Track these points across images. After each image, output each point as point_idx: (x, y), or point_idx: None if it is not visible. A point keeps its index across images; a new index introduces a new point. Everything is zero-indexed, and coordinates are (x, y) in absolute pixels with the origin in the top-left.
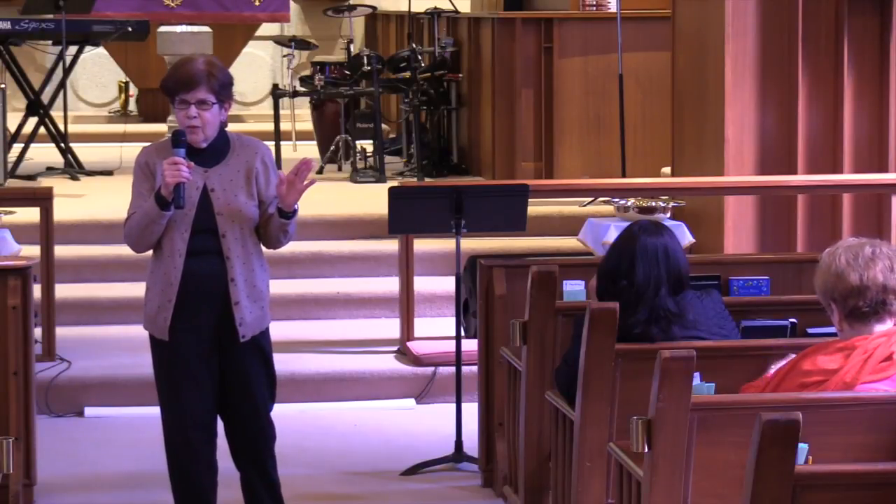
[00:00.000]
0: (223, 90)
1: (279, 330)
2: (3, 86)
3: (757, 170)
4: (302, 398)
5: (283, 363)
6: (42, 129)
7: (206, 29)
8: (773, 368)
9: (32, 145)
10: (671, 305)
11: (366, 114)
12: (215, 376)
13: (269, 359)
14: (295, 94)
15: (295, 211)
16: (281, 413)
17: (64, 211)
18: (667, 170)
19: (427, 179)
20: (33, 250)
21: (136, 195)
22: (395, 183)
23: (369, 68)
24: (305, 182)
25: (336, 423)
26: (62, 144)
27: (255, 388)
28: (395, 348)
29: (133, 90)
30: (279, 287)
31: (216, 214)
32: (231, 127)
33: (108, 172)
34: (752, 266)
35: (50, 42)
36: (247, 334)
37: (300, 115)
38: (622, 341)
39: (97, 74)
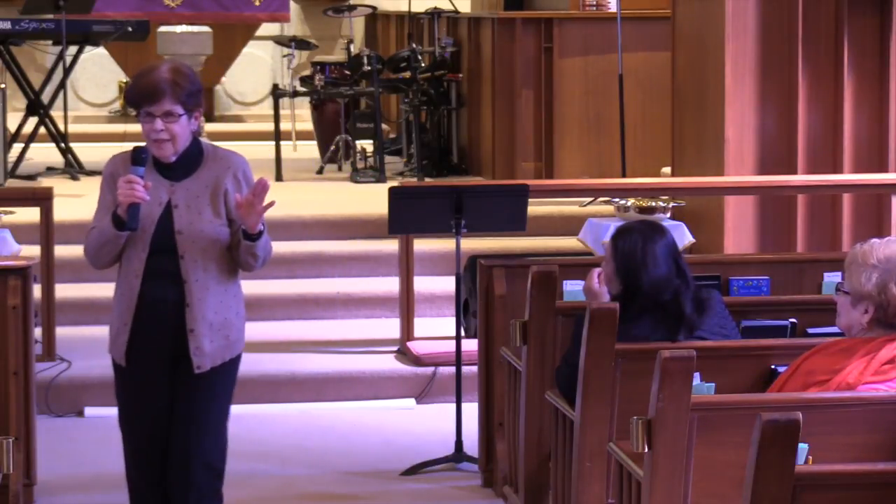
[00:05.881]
0: (190, 99)
1: (279, 330)
2: (3, 86)
3: (757, 170)
4: (302, 398)
5: (284, 363)
6: (42, 129)
7: (206, 29)
8: None
9: (32, 145)
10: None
11: (366, 114)
12: (169, 408)
13: (221, 398)
14: (295, 94)
15: (261, 233)
16: (282, 413)
17: (64, 211)
18: (667, 170)
19: (427, 179)
20: (33, 250)
21: (99, 208)
22: (395, 183)
23: (369, 68)
24: (265, 203)
25: (336, 423)
26: (62, 144)
27: (195, 429)
28: (395, 348)
29: None
30: (279, 287)
31: (175, 233)
32: (231, 127)
33: None
34: (752, 266)
35: (50, 42)
36: (203, 365)
37: (300, 115)
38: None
39: (97, 74)
